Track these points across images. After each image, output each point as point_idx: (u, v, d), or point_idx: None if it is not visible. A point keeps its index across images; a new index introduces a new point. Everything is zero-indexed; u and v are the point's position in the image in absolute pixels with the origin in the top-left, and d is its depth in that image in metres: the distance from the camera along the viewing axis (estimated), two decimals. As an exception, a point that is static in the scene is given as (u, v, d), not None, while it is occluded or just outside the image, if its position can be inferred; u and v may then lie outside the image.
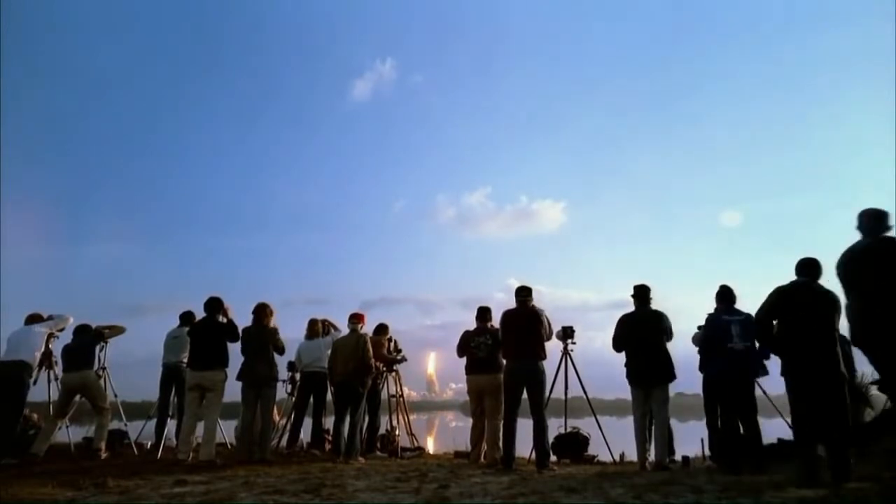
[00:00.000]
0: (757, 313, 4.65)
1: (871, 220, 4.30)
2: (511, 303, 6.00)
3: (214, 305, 6.29)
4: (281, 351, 6.47)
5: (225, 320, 6.30)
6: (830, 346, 4.16)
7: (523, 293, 5.94)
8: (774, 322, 4.53)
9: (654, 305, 5.82)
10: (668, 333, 5.70)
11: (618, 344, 5.79)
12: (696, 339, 5.91)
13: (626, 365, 5.74)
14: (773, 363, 4.96)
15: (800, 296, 4.35)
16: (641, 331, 5.66)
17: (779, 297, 4.45)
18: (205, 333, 6.22)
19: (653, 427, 5.61)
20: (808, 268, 4.44)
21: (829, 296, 4.32)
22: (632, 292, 5.86)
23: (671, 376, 5.61)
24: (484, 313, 6.34)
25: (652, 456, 5.53)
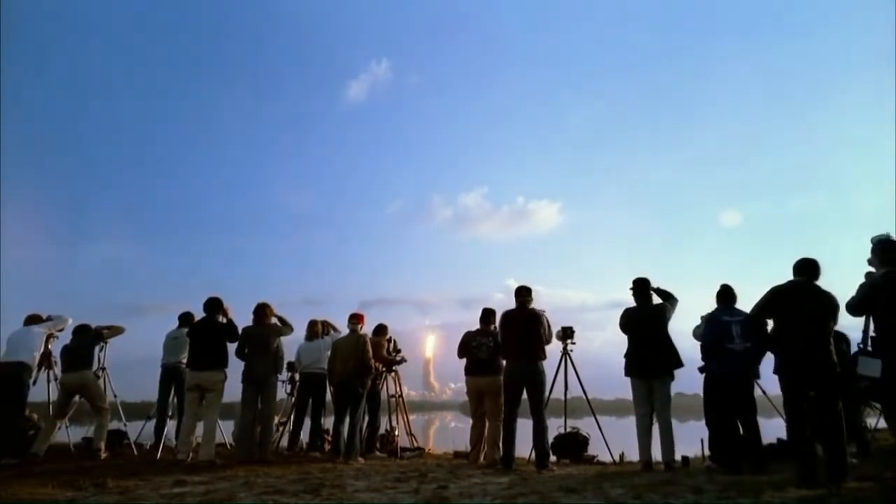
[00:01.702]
0: (751, 311, 4.65)
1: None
2: (511, 303, 6.01)
3: (214, 306, 6.28)
4: (290, 330, 6.61)
5: (225, 320, 6.30)
6: (824, 345, 4.16)
7: (523, 294, 5.93)
8: (770, 321, 4.54)
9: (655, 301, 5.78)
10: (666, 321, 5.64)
11: (625, 331, 5.74)
12: (698, 334, 5.89)
13: (627, 356, 5.66)
14: (765, 365, 4.98)
15: (795, 295, 4.35)
16: (643, 326, 5.62)
17: (774, 297, 4.46)
18: (204, 334, 6.21)
19: (654, 427, 5.58)
20: (806, 268, 4.44)
21: (825, 296, 4.32)
22: (630, 286, 5.80)
23: (677, 364, 5.51)
24: (488, 315, 6.33)
25: (657, 456, 5.52)
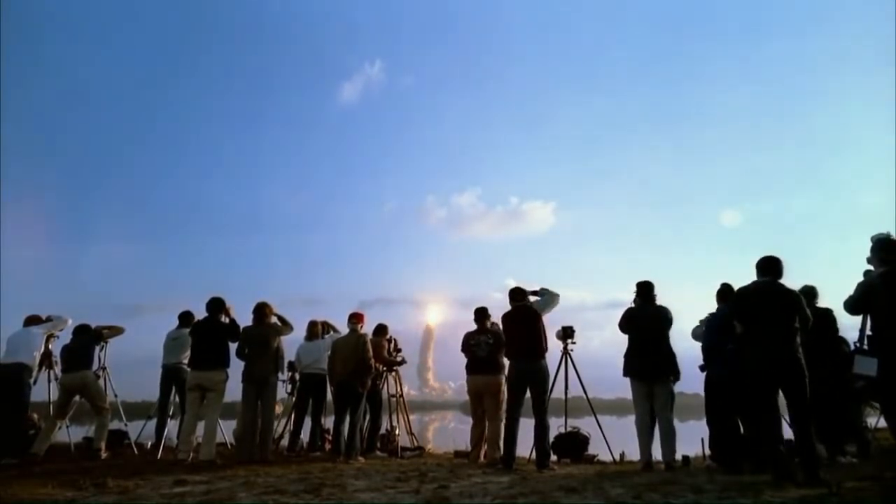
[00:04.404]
0: (722, 320, 4.64)
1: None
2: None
3: (217, 305, 6.28)
4: (289, 329, 6.61)
5: (227, 320, 6.30)
6: (791, 343, 4.16)
7: (517, 297, 5.95)
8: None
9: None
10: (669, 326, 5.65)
11: (625, 331, 5.74)
12: (697, 334, 5.88)
13: (626, 357, 5.65)
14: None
15: (760, 296, 4.35)
16: (644, 327, 5.61)
17: (740, 299, 4.46)
18: (206, 333, 6.22)
19: (656, 427, 5.57)
20: (769, 267, 4.43)
21: (790, 295, 4.31)
22: (634, 289, 5.78)
23: (674, 371, 5.54)
24: (481, 314, 6.36)
25: (658, 456, 5.52)
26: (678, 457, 5.64)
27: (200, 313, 6.42)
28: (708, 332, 5.52)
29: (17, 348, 6.23)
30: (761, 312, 4.29)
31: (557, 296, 6.05)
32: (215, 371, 6.10)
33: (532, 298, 6.03)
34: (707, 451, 5.83)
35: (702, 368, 5.56)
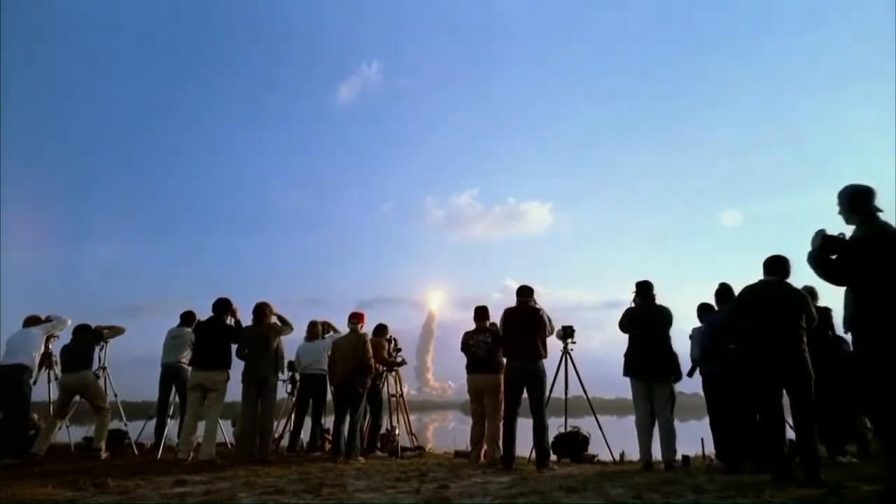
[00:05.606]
0: (725, 319, 4.62)
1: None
2: (508, 302, 6.02)
3: (223, 306, 6.29)
4: (290, 329, 6.57)
5: (232, 321, 6.31)
6: (797, 343, 4.17)
7: (524, 293, 5.93)
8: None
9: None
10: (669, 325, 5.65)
11: (625, 331, 5.75)
12: (695, 354, 5.85)
13: (626, 356, 5.66)
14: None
15: (766, 294, 4.34)
16: (645, 326, 5.61)
17: (745, 297, 4.45)
18: (210, 334, 6.22)
19: (656, 427, 5.57)
20: (776, 266, 4.43)
21: (796, 294, 4.31)
22: (634, 289, 5.79)
23: (675, 371, 5.55)
24: (481, 312, 6.36)
25: (658, 455, 5.52)
26: (678, 457, 5.64)
27: (201, 313, 6.42)
28: (707, 332, 5.52)
29: (16, 349, 6.23)
30: (767, 312, 4.29)
31: None
32: (217, 371, 6.11)
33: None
34: (709, 451, 5.83)
35: (690, 374, 5.53)
